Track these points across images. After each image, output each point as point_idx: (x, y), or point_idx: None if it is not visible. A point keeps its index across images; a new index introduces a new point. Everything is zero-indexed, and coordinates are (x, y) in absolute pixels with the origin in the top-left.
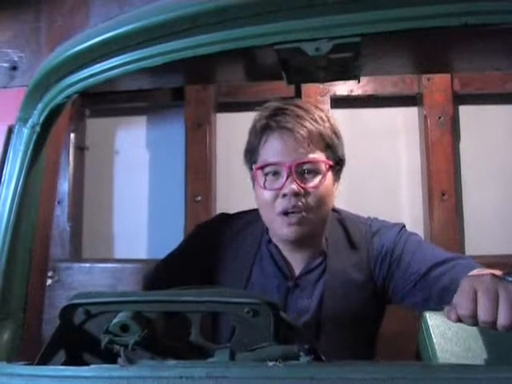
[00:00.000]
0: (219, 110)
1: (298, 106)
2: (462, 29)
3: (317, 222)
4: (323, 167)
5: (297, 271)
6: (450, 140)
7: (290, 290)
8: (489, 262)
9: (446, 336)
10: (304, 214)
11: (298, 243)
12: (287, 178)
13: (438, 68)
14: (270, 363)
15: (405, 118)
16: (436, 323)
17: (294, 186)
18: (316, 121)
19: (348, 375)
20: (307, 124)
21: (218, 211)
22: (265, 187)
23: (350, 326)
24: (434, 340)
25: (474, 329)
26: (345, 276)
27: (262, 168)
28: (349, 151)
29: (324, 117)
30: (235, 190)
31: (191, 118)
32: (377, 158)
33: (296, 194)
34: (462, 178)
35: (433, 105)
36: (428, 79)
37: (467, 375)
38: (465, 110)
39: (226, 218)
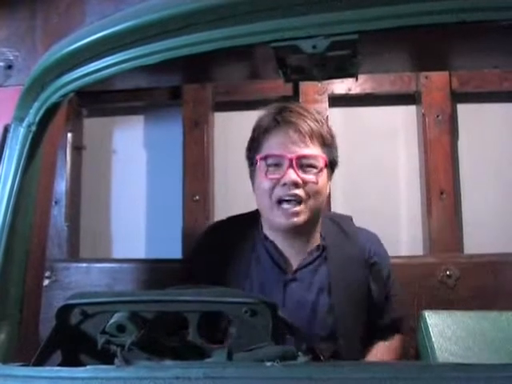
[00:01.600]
0: (217, 109)
1: (301, 107)
2: (461, 26)
3: (311, 213)
4: (321, 163)
5: (294, 265)
6: (449, 139)
7: (288, 284)
8: (488, 260)
9: (445, 335)
10: (300, 205)
11: (293, 234)
12: (288, 169)
13: (437, 66)
14: (268, 363)
15: (403, 117)
16: (435, 322)
17: (294, 176)
18: (317, 121)
19: (346, 375)
20: (309, 122)
21: (216, 211)
22: (266, 176)
23: (356, 314)
24: (433, 339)
25: (473, 328)
26: (346, 266)
27: (264, 158)
28: (346, 150)
29: (323, 119)
30: (233, 190)
31: (189, 117)
32: (375, 157)
33: (295, 184)
34: (460, 176)
35: (431, 103)
36: (426, 77)
37: (466, 374)
38: (463, 109)
39: (217, 226)
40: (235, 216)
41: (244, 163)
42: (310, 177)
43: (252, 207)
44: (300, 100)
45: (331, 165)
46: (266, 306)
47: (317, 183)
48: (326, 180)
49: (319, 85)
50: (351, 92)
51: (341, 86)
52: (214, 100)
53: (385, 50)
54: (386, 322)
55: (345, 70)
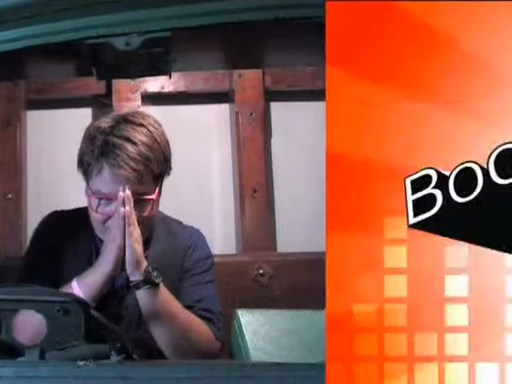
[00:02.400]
0: (30, 107)
1: (128, 140)
2: (274, 23)
3: (143, 232)
4: (152, 195)
5: None
6: (262, 136)
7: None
8: (301, 259)
9: (259, 334)
10: None
11: None
12: (119, 207)
13: (250, 63)
14: (81, 362)
15: (217, 115)
16: (248, 321)
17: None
18: (146, 157)
19: (159, 374)
20: (137, 165)
21: (29, 210)
22: (97, 210)
23: None
24: (247, 338)
25: (287, 326)
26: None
27: (94, 194)
28: None
29: (153, 137)
30: (46, 189)
31: (1, 116)
32: (189, 156)
33: None
34: (273, 174)
35: (244, 101)
36: (240, 75)
37: (279, 374)
38: (276, 107)
39: (58, 215)
40: (77, 208)
41: (57, 162)
42: (142, 214)
43: (64, 207)
44: (113, 98)
45: (164, 175)
46: (79, 304)
47: (150, 215)
48: (158, 200)
49: (132, 83)
50: (164, 90)
51: (154, 84)
52: (27, 98)
53: (198, 47)
54: (188, 303)
55: (158, 68)
